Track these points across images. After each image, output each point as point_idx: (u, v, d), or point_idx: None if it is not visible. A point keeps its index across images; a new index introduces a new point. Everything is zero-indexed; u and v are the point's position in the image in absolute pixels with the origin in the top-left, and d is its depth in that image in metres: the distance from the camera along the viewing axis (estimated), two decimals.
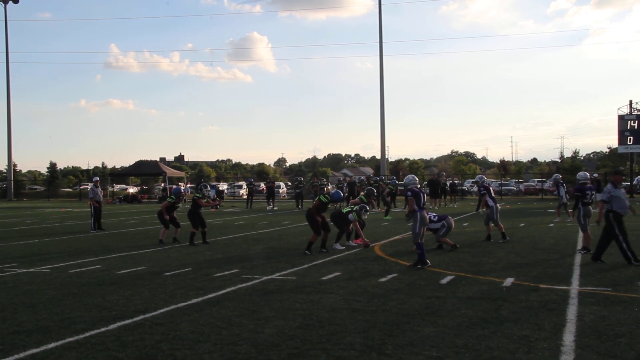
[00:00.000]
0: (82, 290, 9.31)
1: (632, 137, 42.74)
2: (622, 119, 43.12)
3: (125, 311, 7.78)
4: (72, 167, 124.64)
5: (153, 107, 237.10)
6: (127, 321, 7.22)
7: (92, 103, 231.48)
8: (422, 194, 11.64)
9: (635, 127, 42.64)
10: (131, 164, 53.55)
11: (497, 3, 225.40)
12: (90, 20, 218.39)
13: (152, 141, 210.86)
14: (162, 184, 49.49)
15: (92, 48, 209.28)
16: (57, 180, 71.02)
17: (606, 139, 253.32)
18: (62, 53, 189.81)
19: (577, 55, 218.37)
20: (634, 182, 44.93)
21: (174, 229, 16.24)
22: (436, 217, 13.76)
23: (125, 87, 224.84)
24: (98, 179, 22.12)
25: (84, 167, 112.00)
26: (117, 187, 64.22)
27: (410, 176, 12.20)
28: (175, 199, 16.60)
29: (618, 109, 43.54)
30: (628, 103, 43.38)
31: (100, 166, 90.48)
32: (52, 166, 73.64)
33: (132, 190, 57.05)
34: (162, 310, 7.80)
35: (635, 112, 43.06)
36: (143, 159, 54.39)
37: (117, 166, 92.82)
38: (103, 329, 6.85)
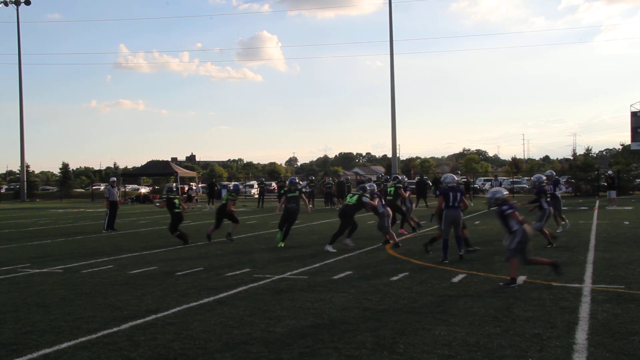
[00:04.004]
0: (94, 290, 9.36)
1: None
2: (634, 115, 42.87)
3: (137, 311, 7.81)
4: (85, 167, 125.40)
5: (163, 107, 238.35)
6: (139, 321, 7.26)
7: (103, 103, 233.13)
8: (451, 193, 11.69)
9: None
10: (143, 164, 53.78)
11: (508, 0, 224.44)
12: (99, 21, 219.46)
13: (163, 141, 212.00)
14: (174, 184, 49.65)
15: (101, 49, 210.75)
16: (69, 180, 71.70)
17: (619, 136, 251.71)
18: (72, 54, 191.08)
19: (589, 52, 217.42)
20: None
21: (232, 225, 16.43)
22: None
23: (135, 87, 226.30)
24: (115, 179, 22.26)
25: (96, 168, 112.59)
26: (129, 187, 64.51)
27: (449, 175, 12.45)
28: (235, 195, 17.12)
29: (631, 106, 43.33)
30: None
31: (112, 166, 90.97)
32: (65, 167, 74.22)
33: (143, 190, 57.30)
34: (173, 310, 7.83)
35: None
36: (154, 159, 54.63)
37: (129, 166, 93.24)
38: (115, 329, 6.88)
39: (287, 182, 15.30)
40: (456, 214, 11.67)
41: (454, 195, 11.69)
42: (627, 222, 19.70)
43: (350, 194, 14.82)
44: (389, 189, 17.40)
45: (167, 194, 16.62)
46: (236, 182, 19.42)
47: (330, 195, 34.32)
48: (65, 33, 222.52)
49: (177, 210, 16.22)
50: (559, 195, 16.55)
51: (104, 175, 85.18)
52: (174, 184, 17.64)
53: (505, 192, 9.87)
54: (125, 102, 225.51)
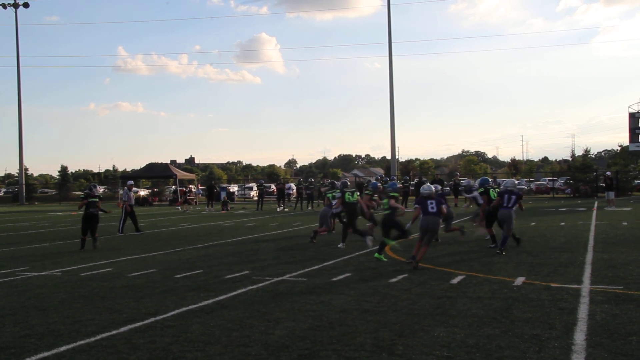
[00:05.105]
0: (93, 293, 9.35)
1: None
2: (632, 116, 42.87)
3: (136, 314, 7.81)
4: (83, 170, 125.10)
5: (162, 109, 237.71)
6: (137, 324, 7.25)
7: (101, 106, 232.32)
8: (506, 195, 13.13)
9: None
10: (142, 166, 53.66)
11: (506, 1, 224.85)
12: (98, 24, 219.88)
13: (162, 143, 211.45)
14: (173, 187, 49.63)
15: (100, 51, 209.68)
16: (68, 183, 71.55)
17: (617, 137, 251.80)
18: (71, 57, 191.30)
19: (588, 53, 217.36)
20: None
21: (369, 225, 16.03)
22: None
23: (134, 89, 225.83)
24: (132, 182, 22.47)
25: (95, 170, 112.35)
26: None
27: (509, 180, 13.76)
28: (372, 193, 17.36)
29: (629, 107, 43.33)
30: (639, 100, 43.12)
31: (111, 169, 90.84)
32: (64, 169, 74.15)
33: (143, 193, 57.25)
34: (172, 313, 7.82)
35: None
36: (153, 161, 54.54)
37: (128, 169, 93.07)
38: (114, 332, 6.88)
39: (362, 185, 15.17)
40: (507, 213, 13.02)
41: (509, 197, 13.15)
42: (625, 223, 19.72)
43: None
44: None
45: (86, 194, 16.37)
46: (374, 181, 19.93)
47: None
48: (63, 35, 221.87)
49: (92, 210, 15.98)
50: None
51: (103, 178, 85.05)
52: (96, 186, 17.11)
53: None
54: (124, 104, 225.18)
